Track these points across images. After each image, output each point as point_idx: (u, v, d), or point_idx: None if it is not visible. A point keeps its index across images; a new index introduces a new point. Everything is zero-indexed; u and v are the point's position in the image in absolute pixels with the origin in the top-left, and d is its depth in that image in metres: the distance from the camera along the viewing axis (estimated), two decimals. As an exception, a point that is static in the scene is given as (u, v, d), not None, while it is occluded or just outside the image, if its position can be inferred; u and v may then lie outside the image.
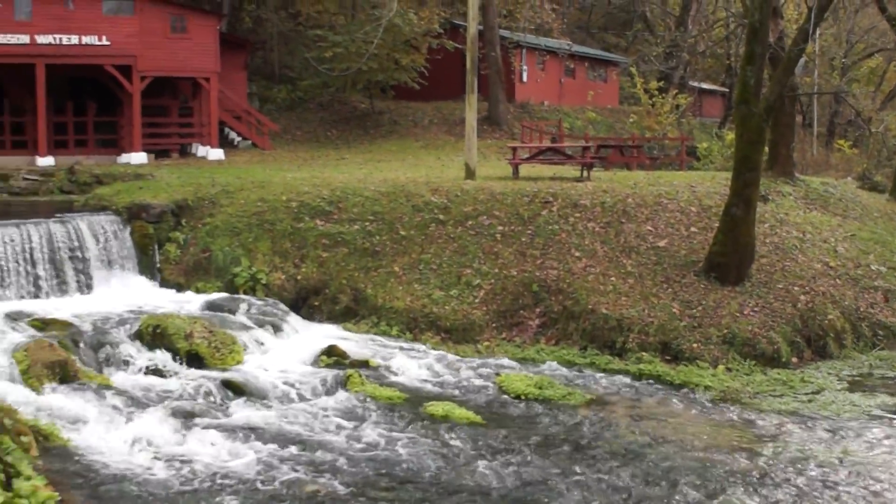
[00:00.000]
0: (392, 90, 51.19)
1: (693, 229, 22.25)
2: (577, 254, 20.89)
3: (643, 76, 48.46)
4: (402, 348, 18.48)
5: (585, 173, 26.88)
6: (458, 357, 18.09)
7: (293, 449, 12.95)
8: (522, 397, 15.81)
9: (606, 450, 13.47)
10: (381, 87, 49.94)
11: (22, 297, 19.84)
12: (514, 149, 28.69)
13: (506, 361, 17.97)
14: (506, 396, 15.92)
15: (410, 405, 15.15)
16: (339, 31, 44.84)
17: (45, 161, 34.60)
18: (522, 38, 49.24)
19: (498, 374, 16.91)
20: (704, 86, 65.27)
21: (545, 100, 53.43)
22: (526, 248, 21.18)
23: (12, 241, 20.21)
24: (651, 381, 17.17)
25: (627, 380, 17.21)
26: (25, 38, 34.59)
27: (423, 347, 18.63)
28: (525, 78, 53.07)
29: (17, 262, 20.14)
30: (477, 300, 20.01)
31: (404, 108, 49.35)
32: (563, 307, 19.40)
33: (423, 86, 46.77)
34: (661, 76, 51.11)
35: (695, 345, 18.23)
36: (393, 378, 16.67)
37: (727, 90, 58.90)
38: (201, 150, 38.38)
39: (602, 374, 17.45)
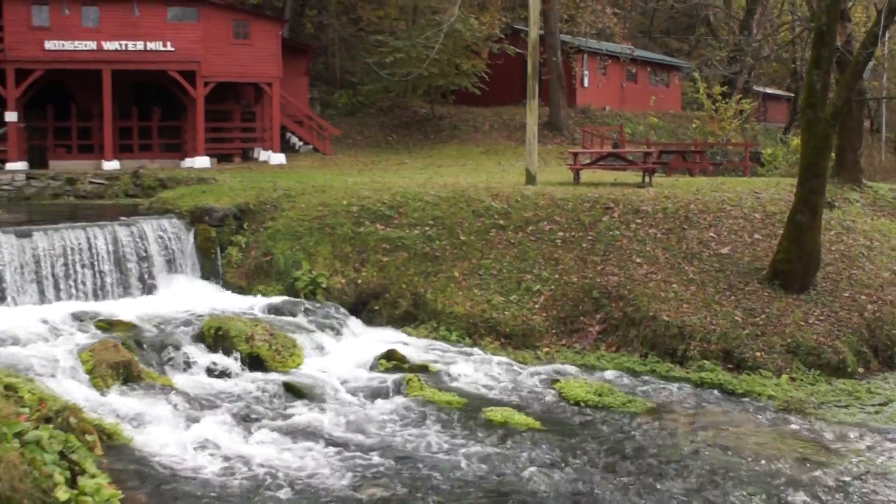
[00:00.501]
0: (453, 95, 51.26)
1: (757, 236, 22.00)
2: (639, 260, 20.73)
3: (706, 81, 48.01)
4: (461, 353, 18.45)
5: (647, 179, 26.69)
6: (517, 363, 18.02)
7: (352, 452, 12.97)
8: (582, 404, 15.71)
9: (666, 458, 13.34)
10: (442, 93, 50.02)
11: (88, 299, 20.11)
12: (575, 154, 28.55)
13: (565, 368, 17.85)
14: (565, 403, 15.83)
15: (469, 410, 15.12)
16: (401, 37, 44.96)
17: (111, 165, 35.11)
18: (584, 42, 49.03)
19: (557, 381, 16.81)
20: (769, 90, 64.59)
21: (606, 105, 53.20)
22: (586, 254, 21.07)
23: (79, 243, 20.50)
24: (713, 389, 16.96)
25: (688, 388, 17.01)
26: (92, 45, 35.13)
27: (482, 353, 18.58)
28: (586, 83, 52.89)
29: (83, 264, 20.41)
30: (537, 306, 19.93)
31: (465, 113, 49.36)
32: (624, 314, 19.26)
33: (484, 91, 46.77)
34: (725, 81, 50.59)
35: (758, 353, 17.99)
36: (452, 383, 16.65)
37: (792, 95, 58.22)
38: (263, 155, 38.67)
39: (663, 382, 17.28)
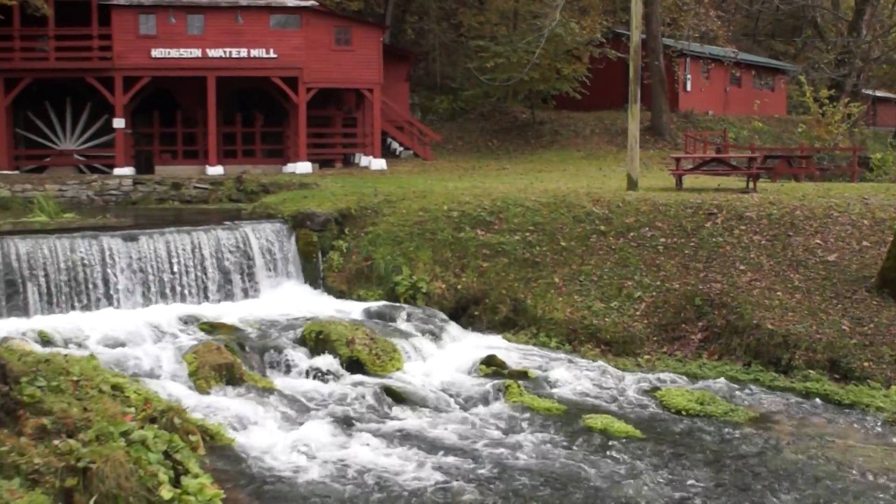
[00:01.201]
0: (553, 100, 51.11)
1: (865, 243, 21.46)
2: (742, 267, 20.38)
3: (813, 84, 47.07)
4: (560, 360, 18.34)
5: (751, 184, 26.27)
6: (617, 370, 17.83)
7: (450, 457, 12.97)
8: (683, 413, 15.49)
9: (769, 469, 13.07)
10: (543, 97, 49.92)
11: (192, 301, 20.47)
12: (678, 159, 28.22)
13: (666, 376, 17.62)
14: (666, 411, 15.62)
15: (568, 417, 15.01)
16: (501, 42, 44.98)
17: (215, 170, 35.76)
18: (686, 46, 48.50)
19: (658, 389, 16.61)
20: (879, 93, 63.11)
21: (709, 109, 52.52)
22: (689, 261, 20.79)
23: (184, 247, 20.87)
24: (818, 399, 16.58)
25: (793, 398, 16.64)
26: (197, 52, 35.87)
27: (582, 359, 18.44)
28: (689, 87, 52.31)
29: (187, 267, 20.78)
30: (638, 313, 19.73)
31: (565, 117, 49.17)
32: (727, 322, 18.93)
33: (585, 95, 46.56)
34: (832, 84, 49.61)
35: (866, 364, 17.52)
36: (551, 389, 16.55)
37: (903, 98, 56.87)
38: (364, 160, 39.01)
39: (766, 392, 16.94)
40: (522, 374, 16.95)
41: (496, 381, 16.37)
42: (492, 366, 17.32)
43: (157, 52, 35.80)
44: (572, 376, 17.22)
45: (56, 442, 9.81)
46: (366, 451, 13.10)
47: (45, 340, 16.44)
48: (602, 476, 12.60)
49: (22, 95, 36.23)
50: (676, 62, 49.80)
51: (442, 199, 24.06)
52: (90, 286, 19.57)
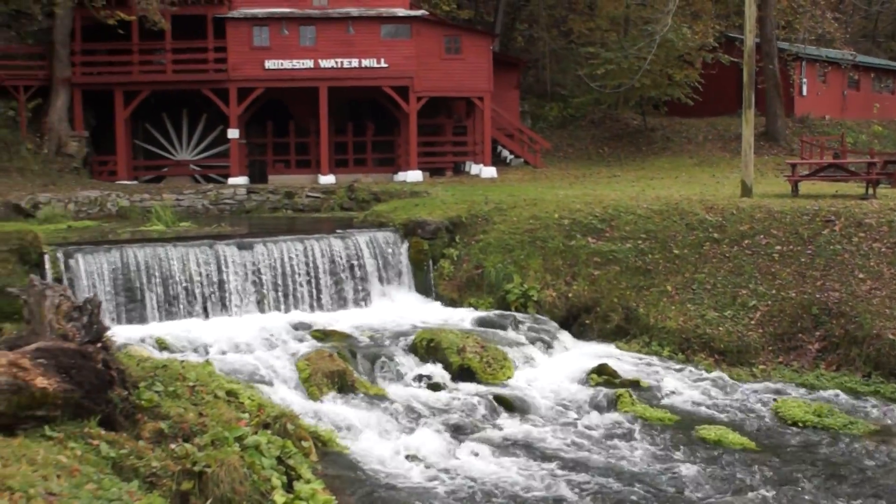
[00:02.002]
0: (665, 106, 50.56)
1: None
2: (861, 275, 19.86)
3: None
4: (673, 369, 18.12)
5: (871, 190, 25.60)
6: (731, 380, 17.55)
7: (561, 467, 12.90)
8: (800, 424, 15.15)
9: (891, 485, 12.70)
10: (654, 104, 49.43)
11: (304, 309, 20.72)
12: (793, 165, 27.64)
13: (782, 386, 17.28)
14: (782, 423, 15.31)
15: (681, 428, 14.81)
16: (612, 48, 44.63)
17: (327, 179, 36.17)
18: (802, 49, 47.51)
19: (774, 400, 16.29)
20: None
21: (826, 114, 51.36)
22: (805, 269, 20.33)
23: (297, 255, 21.14)
24: (943, 412, 16.09)
25: (916, 410, 16.19)
26: (310, 63, 36.37)
27: (695, 369, 18.19)
28: (805, 91, 51.22)
29: (300, 275, 21.04)
30: (752, 322, 19.36)
31: (677, 124, 48.61)
32: (845, 331, 18.46)
33: (697, 101, 45.91)
34: (956, 87, 48.16)
35: None
36: (664, 399, 16.36)
37: None
38: (474, 168, 39.07)
39: (888, 404, 16.47)
40: (634, 384, 16.77)
41: (607, 391, 16.24)
42: (603, 375, 17.17)
43: (270, 64, 36.38)
44: (685, 386, 17.01)
45: (173, 446, 9.99)
46: (476, 460, 13.12)
47: (162, 346, 16.80)
48: (716, 488, 12.40)
49: (140, 108, 37.14)
50: (792, 66, 48.81)
51: (553, 207, 23.95)
52: (206, 293, 19.95)
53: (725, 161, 41.81)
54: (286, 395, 14.81)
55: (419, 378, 16.76)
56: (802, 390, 17.06)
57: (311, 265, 21.22)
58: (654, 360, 18.77)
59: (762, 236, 21.48)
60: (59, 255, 19.26)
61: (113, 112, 36.28)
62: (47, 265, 18.98)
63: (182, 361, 12.99)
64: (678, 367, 18.30)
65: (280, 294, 20.68)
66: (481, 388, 16.43)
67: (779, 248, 21.06)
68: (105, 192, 30.75)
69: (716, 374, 17.81)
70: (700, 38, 44.14)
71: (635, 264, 21.36)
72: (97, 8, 33.20)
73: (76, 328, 10.15)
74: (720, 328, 19.26)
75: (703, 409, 16.03)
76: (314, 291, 21.11)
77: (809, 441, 14.50)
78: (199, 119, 39.02)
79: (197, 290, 19.86)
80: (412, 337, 18.21)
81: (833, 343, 18.46)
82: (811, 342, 18.75)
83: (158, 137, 39.20)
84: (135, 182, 36.35)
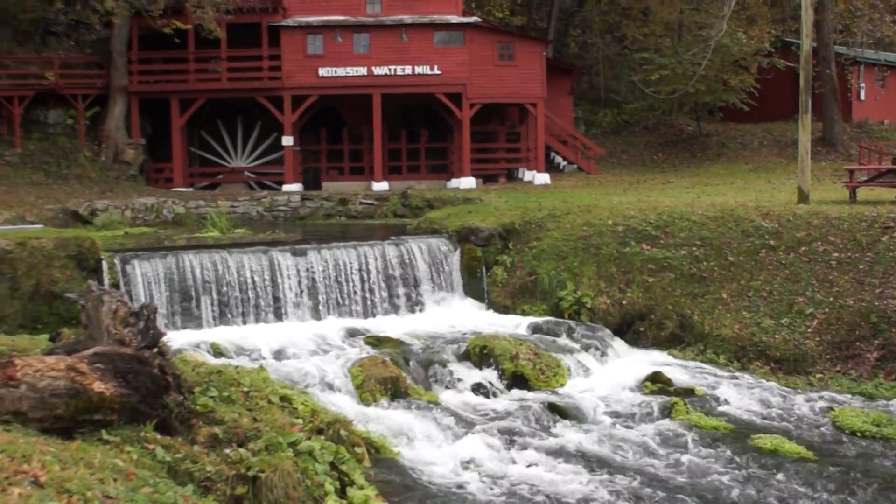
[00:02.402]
0: (720, 112, 50.16)
1: None
2: (921, 283, 19.57)
3: None
4: (728, 377, 17.94)
5: (930, 197, 25.26)
6: (788, 389, 17.36)
7: (614, 475, 12.81)
8: (858, 434, 14.94)
9: (954, 495, 12.49)
10: (709, 109, 49.05)
11: (358, 315, 20.78)
12: (851, 171, 27.31)
13: (840, 395, 17.05)
14: (840, 432, 15.10)
15: (736, 436, 14.67)
16: (666, 53, 44.39)
17: (380, 186, 36.29)
18: (860, 53, 46.93)
19: (831, 409, 16.08)
20: None
21: (885, 118, 50.65)
22: (864, 276, 20.05)
23: (351, 262, 21.22)
24: None
25: (979, 420, 15.89)
26: (363, 70, 36.52)
27: (750, 377, 18.00)
28: (863, 96, 50.56)
29: (354, 281, 21.10)
30: (809, 330, 19.13)
31: (732, 129, 48.20)
32: (905, 339, 18.20)
33: (753, 107, 45.50)
34: None
35: None
36: (718, 407, 16.20)
37: None
38: (528, 175, 39.00)
39: (949, 413, 16.21)
40: (689, 392, 16.64)
41: (662, 399, 16.12)
42: (657, 383, 17.05)
43: (324, 71, 36.58)
44: (740, 394, 16.84)
45: (227, 451, 10.05)
46: (529, 468, 13.08)
47: (216, 352, 16.93)
48: (772, 498, 12.26)
49: (196, 115, 37.52)
50: (849, 70, 48.20)
51: (606, 214, 23.83)
52: (260, 299, 20.07)
53: (781, 167, 41.39)
54: (339, 401, 14.86)
55: (472, 385, 16.75)
56: (860, 400, 16.82)
57: (364, 272, 21.29)
58: (709, 368, 18.61)
59: (819, 243, 21.22)
60: (117, 261, 19.50)
61: (169, 120, 36.66)
62: (105, 271, 19.22)
63: (236, 367, 13.08)
64: (733, 375, 18.12)
65: (334, 300, 20.76)
66: (534, 396, 16.39)
67: (836, 254, 20.80)
68: (161, 199, 31.09)
69: (772, 382, 17.62)
70: (756, 43, 43.76)
71: (690, 271, 21.19)
72: (154, 17, 33.59)
73: (133, 333, 10.25)
74: (776, 336, 19.06)
75: (758, 417, 15.87)
76: (367, 298, 21.17)
77: (867, 451, 14.29)
78: (254, 126, 39.32)
79: (251, 296, 20.00)
80: (465, 344, 18.21)
81: (892, 352, 18.18)
82: (869, 351, 18.49)
83: (213, 145, 39.56)
84: (190, 189, 36.70)
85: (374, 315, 20.99)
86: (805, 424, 15.51)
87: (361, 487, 11.00)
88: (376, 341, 18.30)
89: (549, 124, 40.71)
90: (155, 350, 10.22)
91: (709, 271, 21.11)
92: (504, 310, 21.91)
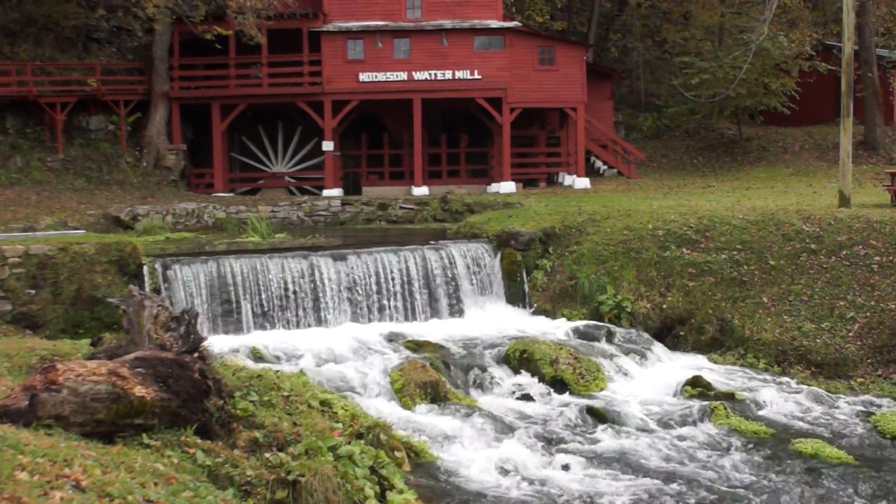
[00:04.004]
0: (760, 115, 49.83)
1: None
2: (965, 287, 19.38)
3: None
4: (769, 381, 17.87)
5: (974, 200, 25.00)
6: (829, 393, 17.24)
7: (655, 480, 12.79)
8: (901, 439, 14.85)
9: None
10: (750, 113, 48.76)
11: (398, 320, 20.86)
12: (893, 174, 27.08)
13: (882, 400, 16.93)
14: (882, 437, 15.00)
15: (777, 441, 14.60)
16: (707, 57, 44.19)
17: (420, 191, 36.34)
18: (902, 56, 46.49)
19: (873, 413, 15.97)
20: None
21: (928, 122, 50.16)
22: (906, 280, 19.90)
23: (391, 266, 21.29)
24: None
25: None
26: (403, 75, 36.58)
27: (791, 382, 17.91)
28: (905, 99, 50.05)
29: (394, 286, 21.18)
30: (851, 334, 19.00)
31: (773, 133, 47.88)
32: (948, 344, 18.03)
33: (794, 110, 45.18)
34: None
35: None
36: (759, 412, 16.13)
37: None
38: (568, 179, 38.94)
39: None
40: (729, 396, 16.57)
41: (702, 403, 16.06)
42: (697, 387, 17.00)
43: (364, 77, 36.70)
44: (781, 399, 16.75)
45: (267, 455, 10.14)
46: (569, 472, 13.09)
47: (257, 356, 17.05)
48: (813, 502, 12.18)
49: (237, 121, 37.77)
50: (891, 73, 47.76)
51: (647, 218, 23.76)
52: (300, 304, 20.18)
53: (822, 171, 41.07)
54: (379, 406, 14.93)
55: (512, 389, 16.77)
56: (903, 404, 16.70)
57: (404, 276, 21.35)
58: (749, 372, 18.54)
59: (861, 247, 21.07)
60: (158, 266, 19.68)
61: (210, 125, 36.93)
62: (146, 276, 19.40)
63: (277, 371, 13.17)
64: (774, 379, 18.04)
65: (374, 305, 20.84)
66: (574, 400, 16.38)
67: (878, 258, 20.64)
68: (202, 204, 31.32)
69: (812, 386, 17.52)
70: (797, 47, 43.45)
71: (730, 275, 21.09)
72: (195, 23, 33.83)
73: (174, 338, 10.37)
74: (817, 340, 18.94)
75: (799, 422, 15.78)
76: (408, 302, 21.22)
77: (910, 456, 14.19)
78: (295, 132, 39.51)
79: (292, 301, 20.12)
80: (505, 348, 18.23)
81: (935, 356, 18.05)
82: (912, 355, 18.35)
83: (254, 150, 39.80)
84: (231, 194, 36.92)
85: (414, 319, 21.04)
86: (846, 429, 15.40)
87: (401, 491, 11.05)
88: (416, 346, 18.36)
89: (589, 129, 40.62)
90: (196, 355, 10.34)
91: (749, 275, 21.00)
92: (544, 314, 21.89)
